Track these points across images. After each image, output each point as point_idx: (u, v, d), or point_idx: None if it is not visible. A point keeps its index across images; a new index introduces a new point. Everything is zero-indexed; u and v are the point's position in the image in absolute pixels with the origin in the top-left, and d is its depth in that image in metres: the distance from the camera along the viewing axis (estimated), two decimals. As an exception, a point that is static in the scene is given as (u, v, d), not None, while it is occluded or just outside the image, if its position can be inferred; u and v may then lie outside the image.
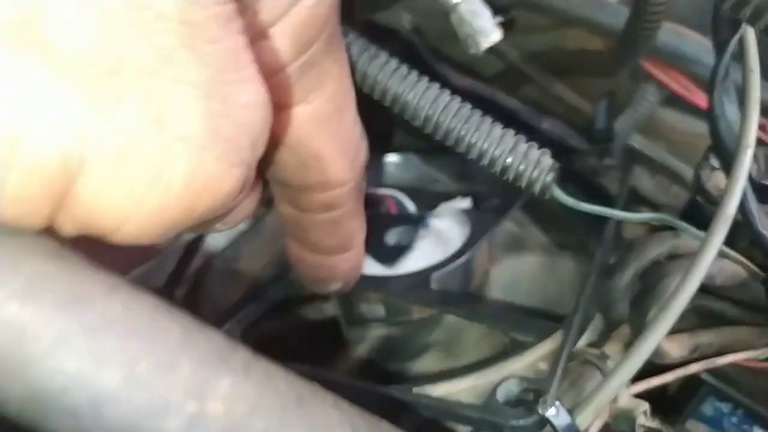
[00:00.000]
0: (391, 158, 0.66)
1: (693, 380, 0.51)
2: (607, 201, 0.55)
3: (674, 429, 0.50)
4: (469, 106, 0.39)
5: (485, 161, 0.39)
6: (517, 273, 0.54)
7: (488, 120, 0.39)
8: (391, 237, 0.55)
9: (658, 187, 0.62)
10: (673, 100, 0.63)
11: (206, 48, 0.22)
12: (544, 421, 0.36)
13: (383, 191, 0.61)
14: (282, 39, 0.28)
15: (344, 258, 0.39)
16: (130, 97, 0.21)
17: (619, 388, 0.38)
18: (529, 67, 0.65)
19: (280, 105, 0.30)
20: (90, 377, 0.20)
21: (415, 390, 0.39)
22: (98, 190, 0.21)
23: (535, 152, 0.39)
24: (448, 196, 0.60)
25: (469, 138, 0.38)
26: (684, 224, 0.43)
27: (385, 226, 0.56)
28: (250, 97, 0.25)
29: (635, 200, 0.59)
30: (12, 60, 0.19)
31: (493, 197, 0.59)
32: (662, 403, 0.44)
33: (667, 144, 0.64)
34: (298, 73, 0.29)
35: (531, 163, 0.38)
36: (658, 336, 0.38)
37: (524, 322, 0.43)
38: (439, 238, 0.53)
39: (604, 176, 0.58)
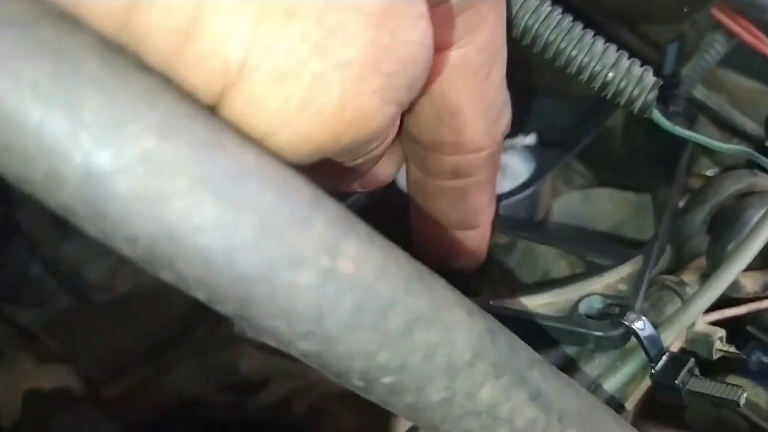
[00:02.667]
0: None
1: (739, 335, 0.50)
2: (675, 145, 0.55)
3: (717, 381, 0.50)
4: (570, 17, 0.38)
5: (584, 76, 0.38)
6: (578, 211, 0.54)
7: (590, 33, 0.38)
8: (454, 169, 0.55)
9: (721, 137, 0.61)
10: (734, 61, 0.62)
11: None
12: (629, 335, 0.36)
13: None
14: None
15: (467, 236, 0.37)
16: (300, 16, 0.21)
17: (700, 311, 0.38)
18: (594, 13, 0.64)
19: None
20: (227, 221, 0.19)
21: (493, 303, 0.39)
22: (248, 100, 0.21)
23: (638, 69, 0.38)
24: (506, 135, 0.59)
25: (569, 51, 0.37)
26: (768, 161, 0.43)
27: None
28: (419, 34, 0.24)
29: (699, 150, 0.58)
30: None
31: (551, 140, 0.58)
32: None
33: (729, 98, 0.63)
34: (455, 10, 0.28)
35: (633, 80, 0.38)
36: (740, 266, 0.38)
37: (602, 246, 0.42)
38: (505, 172, 0.53)
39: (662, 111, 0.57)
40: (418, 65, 0.24)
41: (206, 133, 0.20)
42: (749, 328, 0.54)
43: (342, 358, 0.22)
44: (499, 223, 0.47)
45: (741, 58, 0.63)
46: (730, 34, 0.59)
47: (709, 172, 0.58)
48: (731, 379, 0.61)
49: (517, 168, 0.53)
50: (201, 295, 0.21)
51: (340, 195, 0.54)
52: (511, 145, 0.56)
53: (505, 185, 0.51)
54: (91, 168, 0.18)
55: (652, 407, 0.43)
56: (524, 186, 0.50)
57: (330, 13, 0.21)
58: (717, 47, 0.60)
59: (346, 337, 0.21)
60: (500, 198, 0.49)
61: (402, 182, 0.54)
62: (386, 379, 0.23)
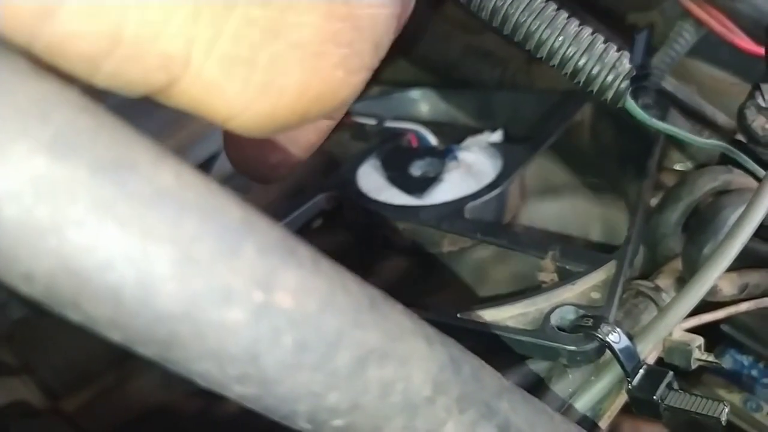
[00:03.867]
0: (410, 93, 0.63)
1: (712, 333, 0.49)
2: (645, 140, 0.53)
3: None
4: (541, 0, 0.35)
5: (555, 60, 0.35)
6: (547, 213, 0.52)
7: (563, 14, 0.35)
8: (416, 169, 0.52)
9: (692, 130, 0.59)
10: (702, 51, 0.60)
11: None
12: (603, 348, 0.34)
13: (404, 124, 0.58)
14: None
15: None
16: (243, 2, 0.19)
17: (677, 321, 0.36)
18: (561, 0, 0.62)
19: None
20: (139, 253, 0.16)
21: (460, 315, 0.36)
22: (203, 89, 0.20)
23: (613, 54, 0.36)
24: (471, 132, 0.57)
25: (540, 33, 0.35)
26: (746, 157, 0.41)
27: (408, 159, 0.53)
28: None
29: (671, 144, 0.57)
30: None
31: (518, 135, 0.56)
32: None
33: (698, 89, 0.61)
34: None
35: (606, 66, 0.35)
36: (718, 271, 0.36)
37: (574, 252, 0.40)
38: (470, 171, 0.50)
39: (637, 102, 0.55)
40: (380, 26, 0.22)
41: (112, 150, 0.17)
42: (723, 327, 0.53)
43: (284, 400, 0.19)
44: (465, 226, 0.45)
45: (709, 48, 0.61)
46: (698, 23, 0.57)
47: (680, 167, 0.56)
48: (706, 378, 0.59)
49: (483, 167, 0.50)
50: (115, 337, 0.18)
51: (301, 198, 0.52)
52: (476, 143, 0.54)
53: (471, 185, 0.48)
54: None
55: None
56: (491, 187, 0.48)
57: None
58: (686, 36, 0.58)
59: (287, 378, 0.19)
60: (466, 200, 0.46)
61: (364, 185, 0.51)
62: (337, 422, 0.21)
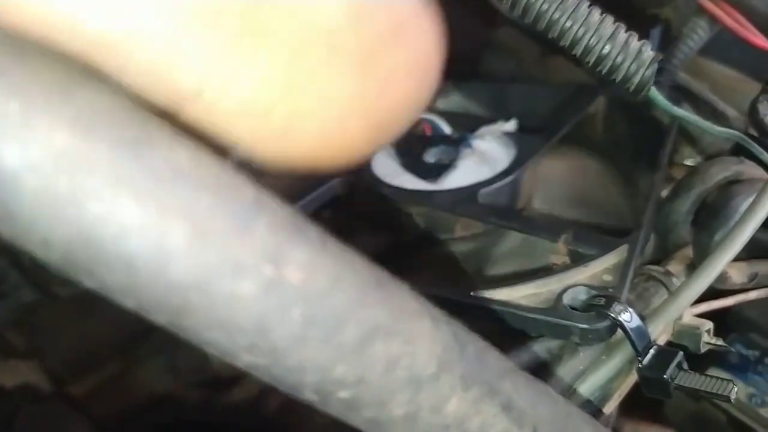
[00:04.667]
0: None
1: (719, 327, 0.49)
2: (658, 132, 0.54)
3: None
4: None
5: (578, 49, 0.36)
6: (560, 199, 0.52)
7: (585, 3, 0.36)
8: (430, 156, 0.53)
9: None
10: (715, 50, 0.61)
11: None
12: (615, 327, 0.34)
13: (418, 114, 0.59)
14: None
15: None
16: (271, 45, 0.18)
17: (688, 303, 0.36)
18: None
19: None
20: (154, 226, 0.17)
21: (473, 294, 0.37)
22: (211, 120, 0.19)
23: (636, 42, 0.36)
24: (485, 122, 0.57)
25: (563, 21, 0.35)
26: (760, 149, 0.41)
27: (422, 146, 0.54)
28: (417, 59, 0.21)
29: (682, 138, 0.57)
30: None
31: (532, 127, 0.57)
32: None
33: (710, 86, 0.62)
34: None
35: (630, 55, 0.36)
36: (728, 256, 0.37)
37: (586, 235, 0.40)
38: (484, 158, 0.51)
39: (654, 108, 0.56)
40: (415, 106, 0.21)
41: (131, 128, 0.18)
42: (731, 321, 0.53)
43: (292, 371, 0.20)
44: (479, 211, 0.46)
45: (721, 47, 0.62)
46: (712, 19, 0.58)
47: (691, 162, 0.56)
48: (711, 371, 0.60)
49: (496, 155, 0.51)
50: (129, 303, 0.19)
51: (315, 183, 0.52)
52: (490, 132, 0.55)
53: (485, 172, 0.49)
54: None
55: (630, 401, 0.42)
56: (505, 173, 0.48)
57: (311, 45, 0.19)
58: (700, 32, 0.59)
59: (295, 350, 0.19)
60: (480, 186, 0.47)
61: (378, 171, 0.52)
62: (343, 394, 0.21)
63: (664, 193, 0.49)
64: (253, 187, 0.20)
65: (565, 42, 0.36)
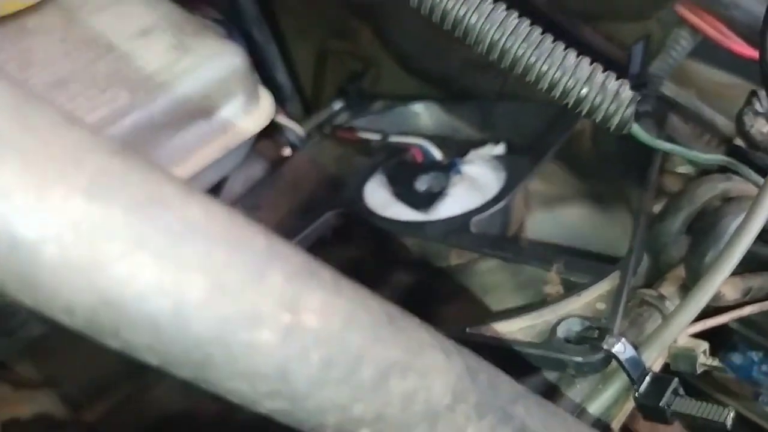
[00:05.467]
0: (413, 107, 0.64)
1: (722, 329, 0.50)
2: (646, 148, 0.54)
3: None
4: (539, 30, 0.36)
5: (556, 92, 0.36)
6: (551, 223, 0.53)
7: (561, 46, 0.36)
8: (422, 184, 0.53)
9: (692, 135, 0.60)
10: (701, 52, 0.61)
11: None
12: (609, 358, 0.35)
13: (408, 139, 0.59)
14: None
15: None
16: None
17: (681, 328, 0.37)
18: (556, 12, 0.63)
19: None
20: (174, 283, 0.18)
21: (469, 330, 0.37)
22: None
23: (614, 83, 0.37)
24: (474, 144, 0.58)
25: (540, 65, 0.35)
26: (748, 169, 0.42)
27: (413, 174, 0.54)
28: None
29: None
30: None
31: (520, 146, 0.57)
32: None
33: (697, 92, 0.62)
34: None
35: (609, 95, 0.36)
36: (720, 278, 0.37)
37: (578, 263, 0.41)
38: (474, 184, 0.51)
39: (640, 123, 0.56)
40: None
41: (143, 189, 0.18)
42: (732, 324, 0.54)
43: (313, 413, 0.21)
44: (472, 241, 0.46)
45: (707, 49, 0.62)
46: (695, 30, 0.58)
47: (682, 169, 0.57)
48: (717, 373, 0.60)
49: (486, 180, 0.52)
50: (154, 361, 0.19)
51: (311, 216, 0.52)
52: (479, 156, 0.55)
53: (476, 199, 0.49)
54: (16, 237, 0.16)
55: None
56: (496, 200, 0.49)
57: None
58: (683, 43, 0.59)
59: (315, 392, 0.20)
60: (472, 214, 0.47)
61: (371, 201, 0.52)
62: (363, 431, 0.22)
63: (656, 206, 0.49)
64: (265, 236, 0.20)
65: (543, 85, 0.36)
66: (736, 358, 0.60)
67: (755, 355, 0.59)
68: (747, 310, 0.42)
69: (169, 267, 0.18)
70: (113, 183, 0.18)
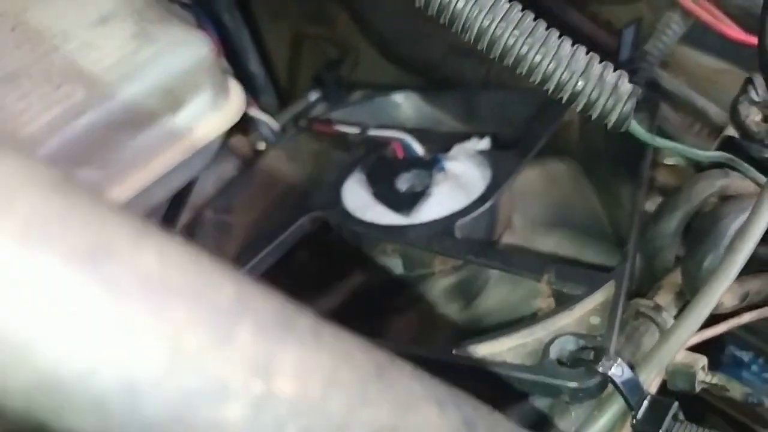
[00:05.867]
0: (393, 97, 0.61)
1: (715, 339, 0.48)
2: (636, 140, 0.51)
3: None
4: (531, 15, 0.33)
5: (550, 85, 0.33)
6: (540, 217, 0.50)
7: (555, 33, 0.33)
8: (403, 182, 0.50)
9: (683, 123, 0.58)
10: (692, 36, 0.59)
11: None
12: (605, 382, 0.32)
13: (388, 133, 0.56)
14: None
15: None
16: None
17: (681, 345, 0.34)
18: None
19: None
20: (124, 355, 0.15)
21: (455, 351, 0.35)
22: None
23: (612, 75, 0.34)
24: (457, 138, 0.55)
25: (532, 56, 0.32)
26: (747, 166, 0.39)
27: (394, 172, 0.51)
28: None
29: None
30: None
31: (507, 138, 0.54)
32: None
33: (688, 79, 0.60)
34: None
35: (607, 89, 0.33)
36: (723, 286, 0.35)
37: (570, 273, 0.38)
38: (458, 182, 0.49)
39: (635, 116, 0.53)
40: None
41: (86, 235, 0.15)
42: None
43: None
44: (456, 247, 0.43)
45: (697, 33, 0.59)
46: (686, 13, 0.56)
47: (671, 161, 0.54)
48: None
49: (471, 178, 0.49)
50: None
51: (285, 220, 0.49)
52: (463, 151, 0.52)
53: (460, 199, 0.46)
54: None
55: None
56: (480, 201, 0.46)
57: None
58: (674, 27, 0.57)
59: None
60: (456, 217, 0.45)
61: (350, 203, 0.49)
62: None
63: (649, 205, 0.47)
64: (233, 282, 0.17)
65: (536, 78, 0.33)
66: (726, 358, 0.59)
67: (745, 355, 0.57)
68: (746, 318, 0.40)
69: (117, 333, 0.15)
70: (50, 228, 0.15)
